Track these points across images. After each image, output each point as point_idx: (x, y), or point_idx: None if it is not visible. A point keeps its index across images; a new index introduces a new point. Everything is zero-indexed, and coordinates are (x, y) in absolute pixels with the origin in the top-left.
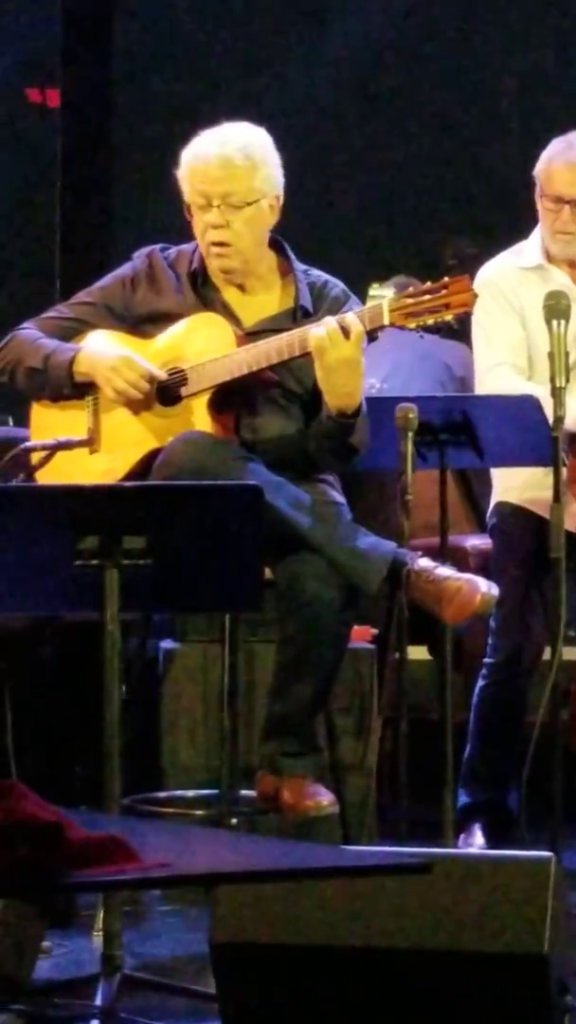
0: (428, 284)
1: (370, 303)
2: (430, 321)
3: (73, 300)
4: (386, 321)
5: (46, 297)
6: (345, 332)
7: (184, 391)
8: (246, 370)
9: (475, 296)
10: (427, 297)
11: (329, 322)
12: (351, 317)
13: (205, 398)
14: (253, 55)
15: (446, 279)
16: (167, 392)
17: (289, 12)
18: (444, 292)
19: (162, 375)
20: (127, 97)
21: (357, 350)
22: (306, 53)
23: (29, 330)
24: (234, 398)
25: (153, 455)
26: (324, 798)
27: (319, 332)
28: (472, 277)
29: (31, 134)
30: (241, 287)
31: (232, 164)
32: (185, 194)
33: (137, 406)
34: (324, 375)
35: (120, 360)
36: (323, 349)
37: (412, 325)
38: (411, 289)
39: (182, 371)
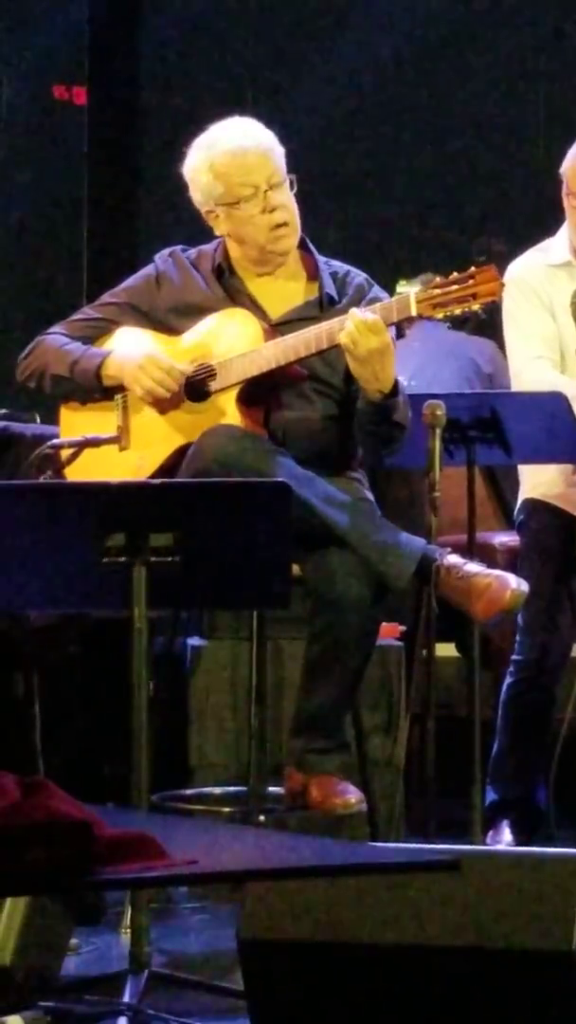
0: (455, 274)
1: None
2: (457, 311)
3: (98, 302)
4: (414, 312)
5: (74, 293)
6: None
7: (213, 386)
8: (274, 364)
9: (502, 285)
10: (454, 287)
11: (354, 314)
12: (362, 313)
13: (234, 393)
14: (281, 52)
15: (472, 269)
16: (196, 388)
17: (319, 8)
18: (471, 282)
19: (188, 369)
20: (153, 94)
21: (385, 337)
22: (335, 50)
23: (55, 335)
24: (263, 393)
25: (183, 450)
26: (352, 796)
27: (347, 327)
28: (501, 274)
29: (57, 131)
30: (269, 275)
31: (264, 147)
32: (220, 197)
33: (166, 403)
34: (358, 366)
35: (146, 359)
36: (354, 342)
37: (440, 315)
38: (438, 280)
39: (210, 367)
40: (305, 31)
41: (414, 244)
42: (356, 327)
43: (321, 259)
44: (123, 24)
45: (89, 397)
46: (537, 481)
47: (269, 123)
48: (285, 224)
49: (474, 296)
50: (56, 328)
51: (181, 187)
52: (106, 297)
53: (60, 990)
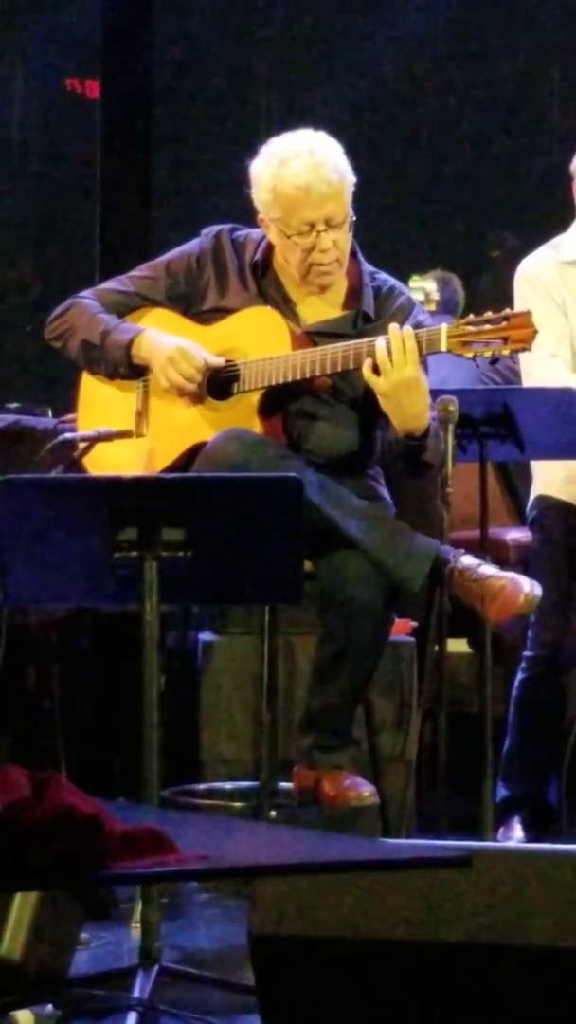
0: (489, 314)
1: (411, 294)
2: (487, 354)
3: (136, 273)
4: (443, 348)
5: (86, 287)
6: (397, 351)
7: (236, 387)
8: (299, 375)
9: (535, 333)
10: (487, 327)
11: (379, 346)
12: (401, 333)
13: (256, 396)
14: (296, 45)
15: (507, 311)
16: (219, 385)
17: (335, 5)
18: (504, 324)
19: (219, 362)
20: (166, 87)
21: (414, 369)
22: (351, 47)
23: (89, 300)
24: (284, 398)
25: (197, 448)
26: (365, 789)
27: (369, 361)
28: (514, 269)
29: (70, 124)
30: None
31: (331, 186)
32: (275, 219)
33: (188, 397)
34: (384, 401)
35: (177, 351)
36: (374, 380)
37: (469, 354)
38: (472, 317)
39: (235, 365)
40: (321, 24)
41: (428, 237)
42: (378, 364)
43: (368, 270)
44: (136, 17)
45: (115, 372)
46: (550, 478)
47: (284, 117)
48: (331, 263)
49: (506, 340)
50: (89, 293)
51: (193, 179)
52: (145, 269)
53: (70, 985)
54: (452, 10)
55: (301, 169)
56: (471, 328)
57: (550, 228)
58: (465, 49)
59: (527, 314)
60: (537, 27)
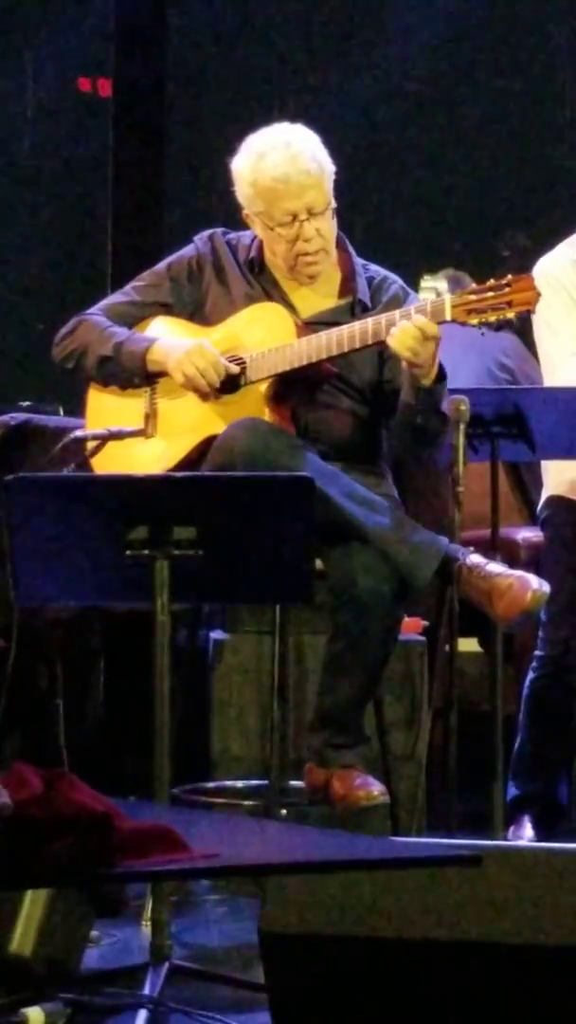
0: (491, 281)
1: (423, 293)
2: (492, 319)
3: (138, 282)
4: (448, 317)
5: (98, 286)
6: (425, 336)
7: (243, 379)
8: (306, 360)
9: (538, 295)
10: (490, 294)
11: (409, 328)
12: (426, 321)
13: (264, 387)
14: (309, 44)
15: (509, 276)
16: (226, 380)
17: (350, 4)
18: (507, 290)
19: (233, 369)
20: (179, 86)
21: (437, 347)
22: (363, 43)
23: (97, 316)
24: (292, 389)
25: (209, 441)
26: (375, 788)
27: (404, 340)
28: (526, 269)
29: (82, 124)
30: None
31: (310, 175)
32: (258, 213)
33: (198, 393)
34: (417, 369)
35: (195, 347)
36: (415, 353)
37: (474, 322)
38: (474, 286)
39: (241, 359)
40: (335, 24)
41: (439, 237)
42: (416, 339)
43: (359, 262)
44: (149, 16)
45: (130, 382)
46: (561, 478)
47: (295, 115)
48: (317, 252)
49: (509, 304)
50: (95, 309)
51: (206, 179)
52: (147, 277)
53: (81, 982)
54: (466, 10)
55: (279, 161)
56: (474, 296)
57: (561, 228)
58: (479, 48)
59: (528, 277)
60: (549, 27)
